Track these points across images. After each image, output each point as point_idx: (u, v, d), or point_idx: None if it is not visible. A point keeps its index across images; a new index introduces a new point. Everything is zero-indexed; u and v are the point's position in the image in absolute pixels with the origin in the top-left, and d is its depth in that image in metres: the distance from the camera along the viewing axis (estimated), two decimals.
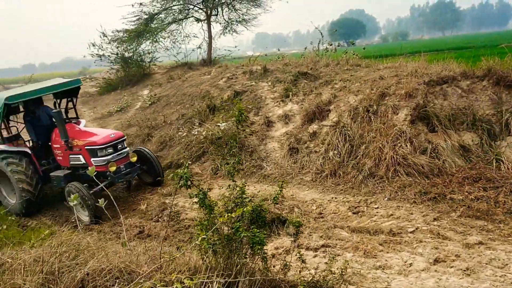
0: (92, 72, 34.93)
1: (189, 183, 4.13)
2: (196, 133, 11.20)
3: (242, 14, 25.32)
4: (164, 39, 24.95)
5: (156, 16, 24.45)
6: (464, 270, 4.85)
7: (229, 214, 3.54)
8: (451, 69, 9.68)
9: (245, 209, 3.61)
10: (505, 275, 4.66)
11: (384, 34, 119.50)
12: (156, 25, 24.29)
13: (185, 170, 4.05)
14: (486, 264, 4.94)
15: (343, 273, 4.40)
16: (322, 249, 5.83)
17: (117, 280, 3.81)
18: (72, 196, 6.49)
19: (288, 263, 4.55)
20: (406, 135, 8.16)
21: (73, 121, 10.08)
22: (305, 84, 11.85)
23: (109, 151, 8.80)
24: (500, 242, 5.63)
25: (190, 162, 4.68)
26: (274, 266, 4.49)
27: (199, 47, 25.54)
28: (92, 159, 8.73)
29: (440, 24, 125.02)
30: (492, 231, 5.99)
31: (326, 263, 5.37)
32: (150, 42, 24.70)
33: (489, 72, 9.09)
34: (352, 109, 9.31)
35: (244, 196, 4.33)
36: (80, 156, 8.90)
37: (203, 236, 3.36)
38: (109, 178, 8.70)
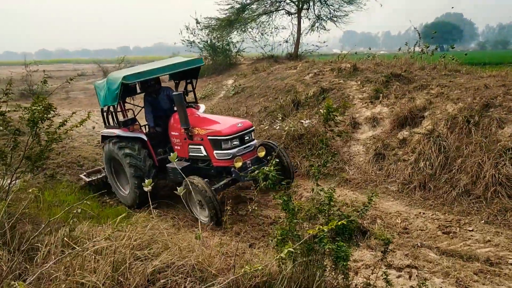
0: None
1: (269, 182, 3.82)
2: (278, 127, 10.91)
3: (334, 10, 24.64)
4: (253, 29, 24.93)
5: (248, 6, 24.47)
6: None
7: (320, 226, 3.15)
8: None
9: (339, 222, 3.20)
10: None
11: (482, 40, 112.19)
12: (247, 15, 24.31)
13: (271, 168, 3.74)
14: None
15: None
16: (407, 269, 5.28)
17: (189, 278, 3.59)
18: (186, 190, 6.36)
19: (371, 283, 4.12)
20: None
21: (193, 106, 9.16)
22: (397, 86, 11.09)
23: (234, 143, 7.58)
24: None
25: (277, 160, 4.41)
26: (356, 286, 4.05)
27: (287, 41, 25.24)
28: (214, 151, 7.62)
29: None
30: None
31: (411, 286, 4.84)
32: (239, 32, 24.81)
33: None
34: (450, 118, 8.50)
35: (332, 203, 3.93)
36: (201, 147, 7.83)
37: (290, 249, 3.00)
38: (233, 175, 7.51)
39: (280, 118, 11.62)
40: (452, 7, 78.25)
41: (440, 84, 10.35)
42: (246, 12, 24.55)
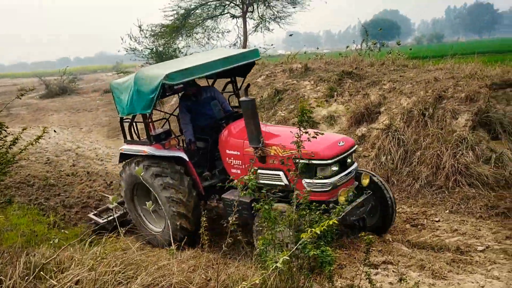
0: (125, 67, 35.05)
1: (249, 190, 3.70)
2: None
3: (277, 12, 24.82)
4: (198, 34, 24.68)
5: (192, 11, 24.21)
6: None
7: (313, 229, 3.05)
8: None
9: (330, 222, 3.10)
10: None
11: (418, 35, 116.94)
12: (192, 20, 24.05)
13: (251, 177, 3.61)
14: None
15: None
16: (383, 265, 5.28)
17: None
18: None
19: (354, 284, 4.07)
20: (468, 142, 7.52)
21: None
22: (350, 84, 11.24)
23: (334, 169, 5.54)
24: None
25: (256, 168, 4.25)
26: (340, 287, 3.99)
27: (234, 44, 25.16)
28: (304, 180, 5.47)
29: (477, 26, 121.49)
30: None
31: (390, 283, 4.85)
32: (184, 38, 24.48)
33: None
34: (405, 112, 8.69)
35: (312, 207, 3.85)
36: (281, 174, 5.70)
37: (284, 258, 2.87)
38: (332, 212, 4.63)
39: None
40: None
41: (392, 79, 10.58)
42: (191, 18, 24.29)
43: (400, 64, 12.54)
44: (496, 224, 6.15)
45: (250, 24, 24.49)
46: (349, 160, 5.80)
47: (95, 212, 7.89)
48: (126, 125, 7.04)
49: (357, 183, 5.92)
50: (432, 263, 5.18)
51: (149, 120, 6.71)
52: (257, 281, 2.95)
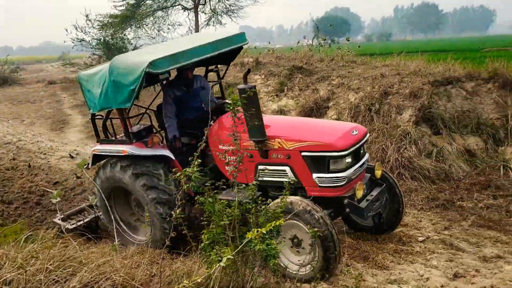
0: (72, 58, 33.80)
1: (193, 184, 3.63)
2: None
3: (230, 5, 24.69)
4: (148, 25, 24.16)
5: (143, 1, 23.66)
6: None
7: (260, 229, 3.04)
8: (455, 69, 9.34)
9: (276, 222, 3.11)
10: None
11: (368, 33, 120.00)
12: (142, 11, 23.50)
13: (194, 169, 3.55)
14: (510, 281, 4.56)
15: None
16: None
17: None
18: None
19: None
20: (411, 136, 7.78)
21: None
22: (300, 79, 11.38)
23: (348, 161, 4.97)
24: None
25: (199, 160, 4.16)
26: (286, 281, 4.02)
27: None
28: (315, 175, 4.94)
29: (423, 26, 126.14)
30: (507, 243, 5.65)
31: (335, 274, 4.94)
32: (134, 29, 23.89)
33: (495, 75, 8.78)
34: (352, 107, 8.89)
35: (259, 202, 3.84)
36: (287, 169, 5.13)
37: (229, 256, 2.84)
38: (347, 208, 4.91)
39: None
40: None
41: (340, 75, 10.79)
42: (141, 8, 23.73)
43: (349, 60, 12.82)
44: (436, 215, 6.40)
45: (202, 17, 24.21)
46: (362, 151, 5.27)
47: (62, 216, 6.88)
48: (99, 122, 6.25)
49: (369, 175, 5.47)
50: (376, 254, 5.32)
51: (128, 116, 6.03)
52: (199, 280, 2.89)
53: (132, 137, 5.77)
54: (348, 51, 13.93)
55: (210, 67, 6.81)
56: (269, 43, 19.69)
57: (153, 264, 4.54)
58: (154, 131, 6.24)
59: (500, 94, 8.56)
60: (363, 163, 5.23)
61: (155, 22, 24.32)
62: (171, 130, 5.94)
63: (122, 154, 5.69)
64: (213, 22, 24.69)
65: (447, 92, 8.83)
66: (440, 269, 4.95)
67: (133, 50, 23.97)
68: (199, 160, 3.88)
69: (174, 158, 5.70)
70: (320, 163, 4.91)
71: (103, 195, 5.92)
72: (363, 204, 4.96)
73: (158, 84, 6.54)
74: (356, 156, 5.11)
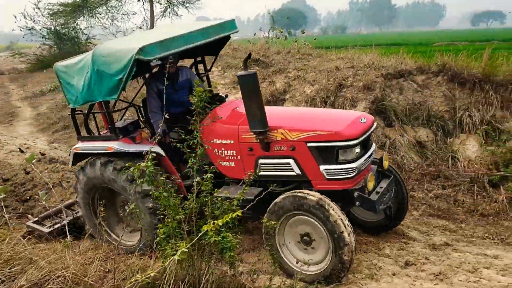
0: (21, 47, 32.45)
1: (147, 178, 3.58)
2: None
3: None
4: (101, 14, 23.49)
5: None
6: (437, 275, 4.64)
7: (215, 222, 3.02)
8: (407, 63, 9.59)
9: (233, 214, 3.10)
10: (478, 280, 4.49)
11: (324, 26, 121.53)
12: (95, 0, 22.79)
13: (149, 164, 3.48)
14: (457, 268, 4.76)
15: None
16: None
17: None
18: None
19: (256, 268, 4.14)
20: None
21: (222, 98, 6.19)
22: (257, 71, 11.34)
23: (357, 151, 4.68)
24: (465, 243, 5.53)
25: (154, 154, 4.07)
26: (241, 273, 4.02)
27: (140, 27, 24.29)
28: (322, 167, 4.65)
29: (377, 19, 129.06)
30: (455, 232, 5.90)
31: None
32: (86, 18, 23.17)
33: (443, 68, 9.07)
34: (309, 99, 8.97)
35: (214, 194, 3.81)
36: (291, 162, 4.82)
37: (183, 249, 2.81)
38: (357, 201, 4.66)
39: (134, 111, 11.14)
40: None
41: (296, 68, 10.86)
42: None
43: (305, 53, 12.91)
44: None
45: (158, 7, 23.75)
46: (370, 141, 5.06)
47: (35, 219, 6.40)
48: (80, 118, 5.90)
49: (375, 166, 5.24)
50: None
51: (113, 109, 5.63)
52: (152, 274, 2.85)
53: (119, 133, 5.36)
54: (304, 44, 14.04)
55: (198, 59, 6.55)
56: None
57: (108, 260, 4.45)
58: (142, 126, 5.88)
59: (449, 87, 8.85)
60: (371, 154, 4.97)
61: (108, 11, 23.69)
62: (156, 125, 5.48)
63: (108, 152, 5.23)
64: (169, 13, 24.29)
65: (399, 85, 9.05)
66: (392, 258, 5.11)
67: (86, 40, 23.24)
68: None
69: (164, 155, 5.29)
70: (328, 154, 4.62)
71: (85, 197, 5.63)
72: (373, 197, 4.72)
73: (141, 77, 6.15)
74: (365, 145, 4.85)
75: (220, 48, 6.41)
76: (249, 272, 3.98)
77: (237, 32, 6.04)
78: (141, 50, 4.67)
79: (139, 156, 4.95)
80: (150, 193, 4.07)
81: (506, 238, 5.55)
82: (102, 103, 5.44)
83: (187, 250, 2.94)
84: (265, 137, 4.79)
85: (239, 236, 3.81)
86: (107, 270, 4.05)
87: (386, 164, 5.20)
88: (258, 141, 4.83)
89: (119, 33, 23.55)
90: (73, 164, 5.82)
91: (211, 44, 5.75)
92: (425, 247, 5.37)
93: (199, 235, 3.23)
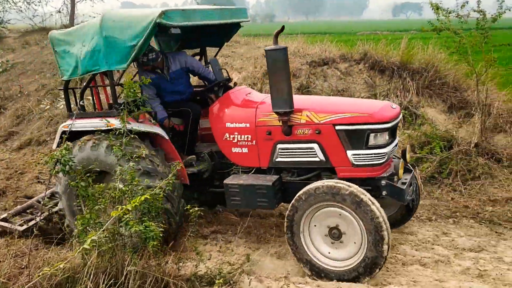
0: None
1: (68, 168, 3.42)
2: (61, 106, 9.94)
3: None
4: None
5: None
6: None
7: (123, 206, 2.93)
8: (331, 51, 9.86)
9: (142, 197, 3.02)
10: (395, 255, 4.75)
11: (252, 14, 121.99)
12: None
13: (63, 152, 3.32)
14: None
15: (244, 264, 4.12)
16: (213, 235, 5.45)
17: None
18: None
19: (181, 257, 4.11)
20: None
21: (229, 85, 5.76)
22: None
23: (386, 137, 4.44)
24: None
25: (70, 144, 3.86)
26: (167, 262, 3.97)
27: (59, 11, 23.02)
28: (350, 152, 4.39)
29: (304, 8, 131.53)
30: None
31: (218, 250, 5.03)
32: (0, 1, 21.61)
33: (365, 56, 9.43)
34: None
35: (135, 183, 3.72)
36: (315, 146, 4.52)
37: (93, 238, 2.71)
38: (384, 190, 4.36)
39: (63, 96, 10.61)
40: None
41: (224, 55, 10.81)
42: None
43: (233, 40, 12.86)
44: None
45: None
46: (397, 131, 4.81)
47: (6, 215, 5.66)
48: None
49: (397, 160, 4.92)
50: (258, 229, 5.50)
51: (118, 82, 5.18)
52: (61, 266, 2.73)
53: (119, 109, 4.70)
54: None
55: (195, 51, 6.28)
56: None
57: (25, 256, 4.22)
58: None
59: (370, 74, 9.22)
60: (396, 144, 4.70)
61: None
62: (158, 109, 5.19)
63: (107, 128, 4.59)
64: None
65: (323, 72, 9.29)
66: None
67: (0, 24, 21.68)
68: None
69: (167, 138, 4.91)
70: (357, 138, 4.35)
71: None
72: (405, 188, 4.42)
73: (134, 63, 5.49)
74: (393, 133, 4.59)
75: (227, 38, 6.09)
76: (174, 261, 3.94)
77: (248, 21, 5.75)
78: (164, 13, 4.33)
79: (141, 135, 4.68)
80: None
81: (420, 215, 5.89)
82: (105, 75, 5.06)
83: (96, 238, 2.83)
84: (289, 120, 4.50)
85: (163, 225, 3.75)
86: (23, 266, 3.86)
87: (408, 157, 4.95)
88: (280, 123, 4.52)
89: (36, 17, 22.21)
90: (58, 144, 4.99)
91: (217, 32, 5.67)
92: None
93: (107, 223, 3.13)
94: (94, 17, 21.90)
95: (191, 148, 5.35)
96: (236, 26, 5.71)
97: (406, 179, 4.64)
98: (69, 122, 5.03)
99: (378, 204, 3.99)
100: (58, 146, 4.98)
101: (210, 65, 5.55)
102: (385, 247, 3.92)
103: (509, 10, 7.35)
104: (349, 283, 4.09)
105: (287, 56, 4.25)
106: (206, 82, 5.87)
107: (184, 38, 5.98)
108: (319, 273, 4.24)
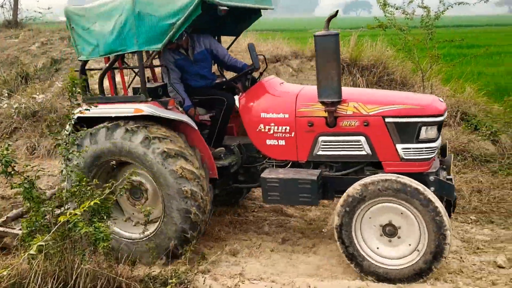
0: None
1: (10, 169, 3.26)
2: (4, 105, 9.51)
3: None
4: None
5: None
6: (311, 247, 4.93)
7: (72, 211, 2.84)
8: (283, 48, 9.95)
9: (91, 202, 2.94)
10: None
11: None
12: None
13: (4, 152, 3.17)
14: (329, 240, 5.09)
15: (200, 264, 4.10)
16: None
17: None
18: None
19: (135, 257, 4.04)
20: None
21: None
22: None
23: (436, 131, 4.27)
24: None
25: (10, 143, 3.69)
26: (118, 264, 3.89)
27: (2, 6, 22.00)
28: (399, 146, 4.20)
29: None
30: (328, 206, 6.27)
31: None
32: None
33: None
34: None
35: (83, 183, 3.61)
36: (362, 139, 4.30)
37: (40, 244, 2.61)
38: (432, 186, 4.14)
39: (6, 95, 10.15)
40: None
41: None
42: None
43: None
44: None
45: None
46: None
47: (4, 219, 5.05)
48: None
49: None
50: (212, 227, 5.48)
51: (150, 63, 4.80)
52: (5, 273, 2.62)
53: (146, 94, 4.35)
54: None
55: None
56: None
57: None
58: (170, 89, 4.87)
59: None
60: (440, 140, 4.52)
61: None
62: (183, 96, 4.83)
63: (134, 114, 4.25)
64: None
65: (276, 69, 9.37)
66: (270, 235, 5.31)
67: None
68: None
69: (196, 128, 4.54)
70: (408, 131, 4.17)
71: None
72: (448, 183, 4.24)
73: None
74: (440, 128, 4.42)
75: (245, 26, 5.75)
76: (126, 261, 3.86)
77: (272, 9, 5.43)
78: None
79: (169, 124, 4.37)
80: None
81: None
82: (131, 56, 4.70)
83: (43, 244, 2.73)
84: (335, 111, 4.27)
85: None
86: None
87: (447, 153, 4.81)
88: (326, 113, 4.27)
89: None
90: (69, 134, 4.42)
91: (234, 20, 5.37)
92: (302, 223, 5.66)
93: (55, 227, 3.03)
94: (40, 12, 21.16)
95: (219, 140, 5.00)
96: (256, 14, 5.44)
97: (448, 175, 4.48)
98: (86, 107, 4.36)
99: (438, 198, 3.84)
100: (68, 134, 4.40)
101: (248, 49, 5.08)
102: (447, 246, 3.78)
103: (451, 7, 7.65)
104: (314, 279, 4.15)
105: (339, 42, 4.03)
106: (222, 71, 5.68)
107: (196, 25, 5.13)
108: (370, 271, 4.03)
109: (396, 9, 7.49)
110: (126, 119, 4.34)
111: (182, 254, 4.32)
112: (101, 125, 4.39)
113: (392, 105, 4.22)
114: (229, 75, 6.10)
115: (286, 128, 4.51)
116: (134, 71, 5.30)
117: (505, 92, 9.31)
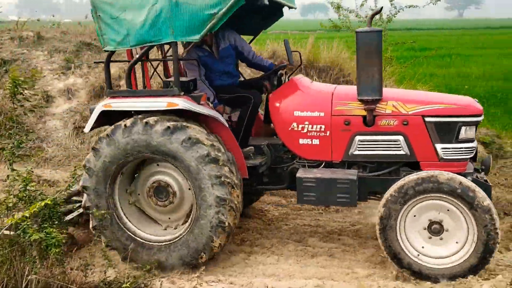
0: None
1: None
2: None
3: None
4: None
5: None
6: (269, 248, 4.96)
7: (17, 214, 2.75)
8: None
9: (41, 203, 2.84)
10: (305, 248, 4.92)
11: None
12: None
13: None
14: (287, 239, 5.14)
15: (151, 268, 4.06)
16: None
17: None
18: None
19: (89, 262, 3.94)
20: None
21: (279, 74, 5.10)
22: (89, 55, 10.75)
23: (474, 132, 4.30)
24: (295, 215, 5.98)
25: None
26: (72, 269, 3.78)
27: None
28: (438, 145, 4.16)
29: None
30: (286, 206, 6.33)
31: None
32: None
33: (274, 55, 9.64)
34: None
35: (31, 188, 3.49)
36: (400, 139, 4.23)
37: None
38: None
39: None
40: None
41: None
42: None
43: None
44: None
45: None
46: None
47: None
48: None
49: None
50: None
51: (183, 56, 4.60)
52: None
53: (179, 88, 4.15)
54: None
55: None
56: (53, 16, 18.00)
57: None
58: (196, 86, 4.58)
59: (281, 73, 9.44)
60: None
61: None
62: (213, 92, 4.74)
63: (167, 108, 4.06)
64: None
65: None
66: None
67: None
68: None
69: (227, 126, 4.40)
70: (448, 131, 4.14)
71: (103, 178, 4.15)
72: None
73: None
74: (476, 129, 4.42)
75: (266, 26, 5.56)
76: (80, 267, 3.76)
77: (295, 9, 5.24)
78: None
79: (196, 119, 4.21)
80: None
81: (328, 208, 6.11)
82: (165, 47, 4.67)
83: None
84: (374, 110, 4.19)
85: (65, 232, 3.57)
86: None
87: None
88: (364, 111, 4.19)
89: None
90: (94, 127, 4.40)
91: (255, 18, 5.20)
92: (260, 224, 5.69)
93: (1, 231, 2.93)
94: None
95: (245, 139, 4.80)
96: (278, 13, 5.34)
97: (482, 176, 4.39)
98: (110, 100, 4.28)
99: (486, 195, 3.80)
100: (91, 129, 4.44)
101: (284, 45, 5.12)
102: (496, 246, 3.73)
103: (403, 10, 7.88)
104: (271, 279, 4.17)
105: (381, 39, 3.99)
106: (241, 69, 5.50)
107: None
108: (412, 270, 3.94)
109: (350, 12, 7.65)
110: (155, 113, 4.15)
111: (206, 262, 4.28)
112: (135, 117, 4.16)
113: (432, 105, 4.22)
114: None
115: (321, 127, 4.42)
116: (152, 65, 5.14)
117: (456, 93, 9.65)
